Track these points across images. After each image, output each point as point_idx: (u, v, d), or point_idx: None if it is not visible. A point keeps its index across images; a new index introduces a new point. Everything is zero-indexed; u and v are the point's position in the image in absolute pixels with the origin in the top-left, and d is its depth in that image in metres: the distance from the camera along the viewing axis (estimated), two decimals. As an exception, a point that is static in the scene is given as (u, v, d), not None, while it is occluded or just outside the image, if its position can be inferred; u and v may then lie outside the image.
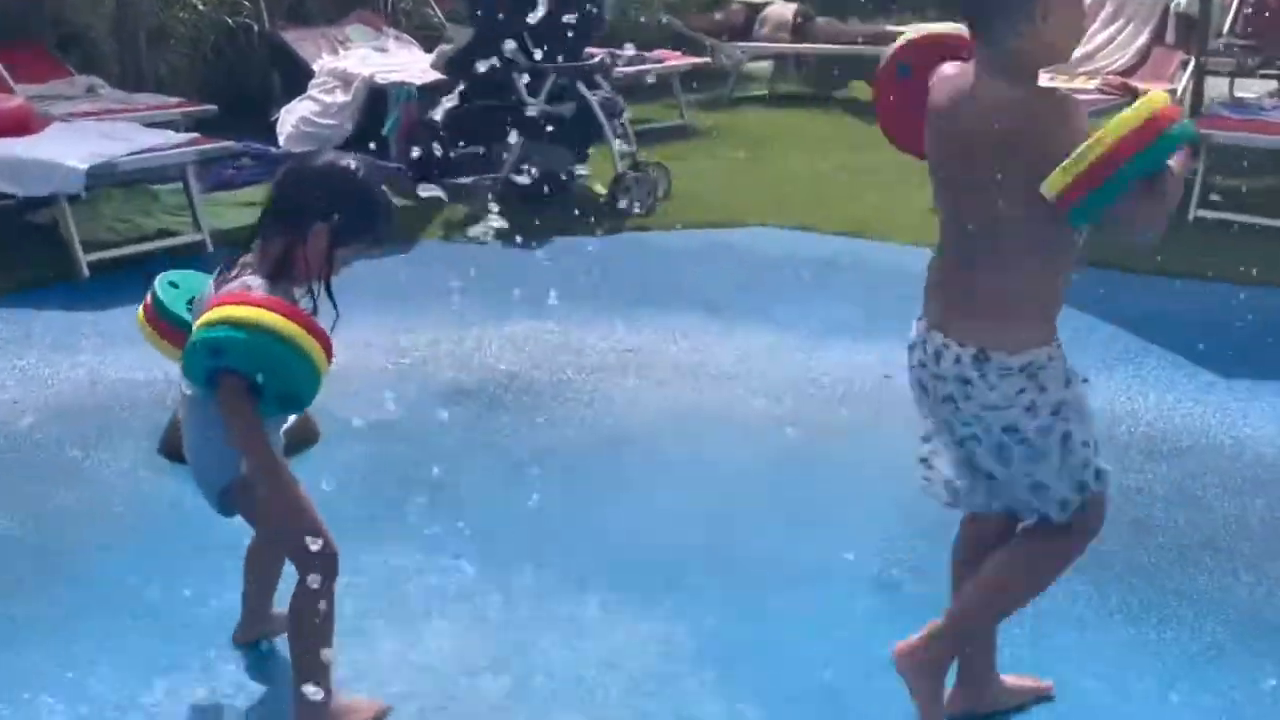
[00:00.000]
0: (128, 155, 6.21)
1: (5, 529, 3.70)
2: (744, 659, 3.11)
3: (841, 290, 5.93)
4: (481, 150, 7.54)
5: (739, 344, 5.28)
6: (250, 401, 2.59)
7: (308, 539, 2.68)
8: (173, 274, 3.13)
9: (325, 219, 2.67)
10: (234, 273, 2.71)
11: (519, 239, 5.35)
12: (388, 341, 5.18)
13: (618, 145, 7.27)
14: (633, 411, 4.65)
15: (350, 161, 2.78)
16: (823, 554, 3.53)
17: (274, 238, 2.69)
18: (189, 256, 6.01)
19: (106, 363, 4.92)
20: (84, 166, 5.90)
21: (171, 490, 3.87)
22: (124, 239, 6.52)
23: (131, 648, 3.12)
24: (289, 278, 2.70)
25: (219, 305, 2.60)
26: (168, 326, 2.99)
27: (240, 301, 2.58)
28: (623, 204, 7.11)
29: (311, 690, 2.73)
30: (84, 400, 4.62)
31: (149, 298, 3.03)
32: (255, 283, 2.64)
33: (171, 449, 4.07)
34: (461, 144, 7.23)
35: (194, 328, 2.63)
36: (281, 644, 3.05)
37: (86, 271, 5.98)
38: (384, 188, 2.83)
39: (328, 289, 2.80)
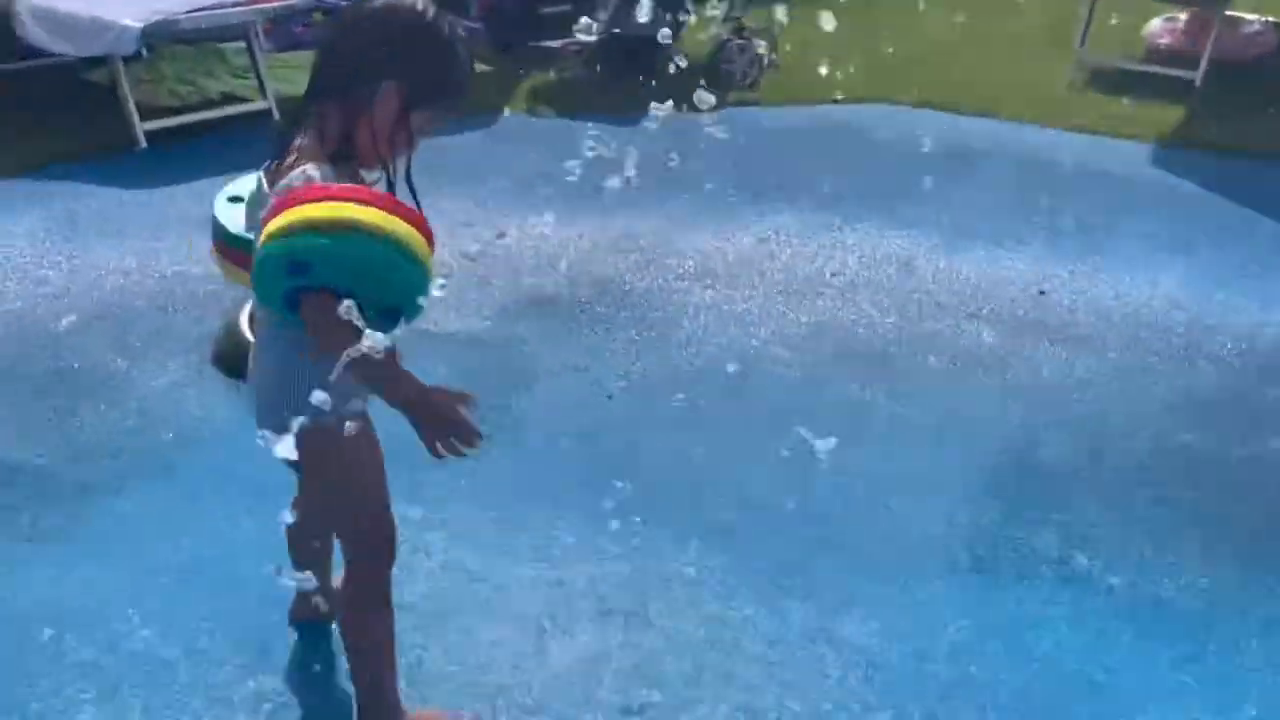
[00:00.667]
0: (187, 13, 5.74)
1: (30, 458, 3.25)
2: (846, 652, 2.69)
3: (979, 182, 5.32)
4: (569, 9, 6.89)
5: (861, 248, 4.72)
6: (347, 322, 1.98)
7: (364, 515, 2.20)
8: (231, 187, 2.58)
9: (393, 76, 2.09)
10: (289, 160, 2.11)
11: (609, 115, 4.76)
12: (461, 236, 4.61)
13: (720, 7, 6.60)
14: (735, 331, 4.10)
15: (415, 1, 2.15)
16: (939, 525, 3.10)
17: (330, 108, 2.11)
18: (255, 125, 5.54)
19: (159, 251, 4.47)
20: (139, 25, 5.46)
21: (223, 415, 3.42)
22: (185, 104, 6.04)
23: (162, 614, 2.68)
24: (355, 158, 2.13)
25: (285, 207, 2.00)
26: (240, 254, 2.39)
27: (314, 197, 1.98)
28: (725, 76, 6.45)
29: (372, 699, 2.30)
30: (132, 297, 4.15)
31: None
32: (316, 172, 2.04)
33: (226, 360, 3.62)
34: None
35: (260, 239, 2.04)
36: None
37: (144, 141, 5.53)
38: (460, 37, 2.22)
39: (407, 171, 2.20)
